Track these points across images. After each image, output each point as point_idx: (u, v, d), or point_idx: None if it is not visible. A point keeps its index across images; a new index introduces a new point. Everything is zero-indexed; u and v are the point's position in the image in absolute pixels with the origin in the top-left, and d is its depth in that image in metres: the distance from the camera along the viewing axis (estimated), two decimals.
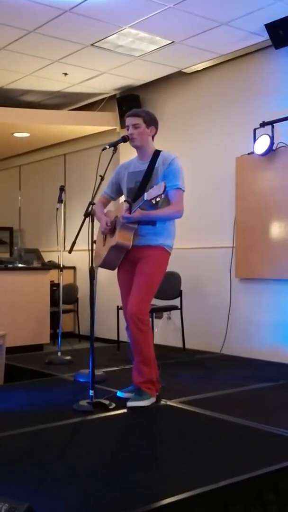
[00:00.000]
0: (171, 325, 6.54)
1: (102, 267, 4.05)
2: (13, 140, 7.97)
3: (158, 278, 3.90)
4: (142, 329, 3.79)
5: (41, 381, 4.79)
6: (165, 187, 3.54)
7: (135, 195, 3.84)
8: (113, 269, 4.05)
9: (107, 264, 4.00)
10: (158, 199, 3.55)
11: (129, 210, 3.73)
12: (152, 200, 3.56)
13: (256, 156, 5.70)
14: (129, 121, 3.94)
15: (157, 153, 3.94)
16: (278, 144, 5.57)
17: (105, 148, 3.84)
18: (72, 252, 3.80)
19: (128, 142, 3.96)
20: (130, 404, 3.74)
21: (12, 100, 7.38)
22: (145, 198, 3.59)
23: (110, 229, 3.95)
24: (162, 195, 3.53)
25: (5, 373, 4.98)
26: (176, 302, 6.06)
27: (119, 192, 4.16)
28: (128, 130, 3.94)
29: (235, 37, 5.49)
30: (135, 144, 3.94)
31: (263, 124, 5.65)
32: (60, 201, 5.54)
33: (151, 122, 3.95)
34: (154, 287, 3.89)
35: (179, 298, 6.06)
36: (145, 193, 3.60)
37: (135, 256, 3.88)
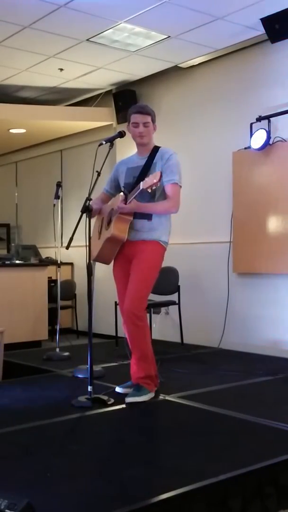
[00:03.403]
0: (169, 320, 6.55)
1: (97, 260, 4.03)
2: (9, 136, 7.95)
3: (153, 274, 3.89)
4: (139, 325, 3.79)
5: (40, 378, 4.79)
6: (161, 176, 3.55)
7: (132, 188, 3.83)
8: (108, 263, 4.03)
9: (102, 257, 3.99)
10: (154, 187, 3.55)
11: (125, 200, 3.72)
12: (148, 189, 3.56)
13: (253, 151, 5.69)
14: (139, 118, 3.89)
15: (156, 148, 3.94)
16: (274, 138, 5.56)
17: (101, 144, 3.84)
18: (70, 248, 3.79)
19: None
20: (128, 400, 3.74)
21: (8, 96, 7.36)
22: (140, 187, 3.59)
23: (107, 221, 3.95)
24: (158, 183, 3.54)
25: (3, 370, 4.98)
26: (174, 297, 6.06)
27: (118, 189, 4.14)
28: (137, 127, 3.89)
29: (231, 32, 5.48)
30: (144, 141, 3.93)
31: (259, 119, 5.64)
32: (57, 197, 5.53)
33: (155, 119, 3.98)
34: (150, 283, 3.89)
35: (177, 293, 6.06)
36: (141, 182, 3.60)
37: (130, 252, 3.88)
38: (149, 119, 3.90)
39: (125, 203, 3.71)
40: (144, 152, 3.97)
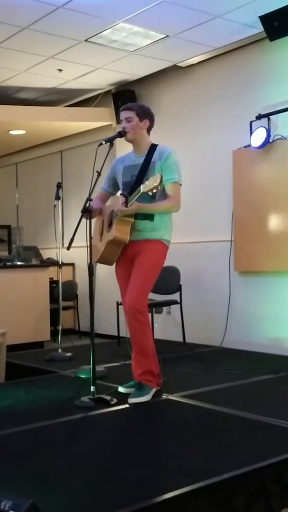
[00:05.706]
0: (171, 319, 6.55)
1: (100, 262, 4.04)
2: (9, 138, 7.96)
3: (155, 271, 3.89)
4: (141, 320, 3.79)
5: (42, 378, 4.79)
6: (161, 179, 3.53)
7: (131, 188, 3.82)
8: (111, 264, 4.04)
9: (104, 259, 3.99)
10: (154, 190, 3.54)
11: (126, 203, 3.72)
12: (149, 192, 3.55)
13: (252, 149, 5.69)
14: (122, 115, 3.94)
15: (153, 147, 3.93)
16: (274, 136, 5.56)
17: (101, 144, 3.83)
18: (71, 249, 3.80)
19: (123, 137, 3.96)
20: (130, 400, 3.74)
21: (7, 98, 7.36)
22: (141, 190, 3.58)
23: (108, 224, 3.94)
24: (159, 187, 3.53)
25: (6, 371, 4.98)
26: (175, 296, 6.06)
27: (116, 187, 4.15)
28: (121, 124, 3.94)
29: (230, 30, 5.48)
30: (128, 137, 3.92)
31: (259, 117, 5.64)
32: (57, 198, 5.53)
33: (144, 115, 3.92)
34: (152, 280, 3.89)
35: (178, 292, 6.06)
36: (141, 185, 3.59)
37: (133, 251, 3.88)
38: (131, 114, 3.89)
39: (126, 206, 3.70)
40: (140, 150, 3.95)
